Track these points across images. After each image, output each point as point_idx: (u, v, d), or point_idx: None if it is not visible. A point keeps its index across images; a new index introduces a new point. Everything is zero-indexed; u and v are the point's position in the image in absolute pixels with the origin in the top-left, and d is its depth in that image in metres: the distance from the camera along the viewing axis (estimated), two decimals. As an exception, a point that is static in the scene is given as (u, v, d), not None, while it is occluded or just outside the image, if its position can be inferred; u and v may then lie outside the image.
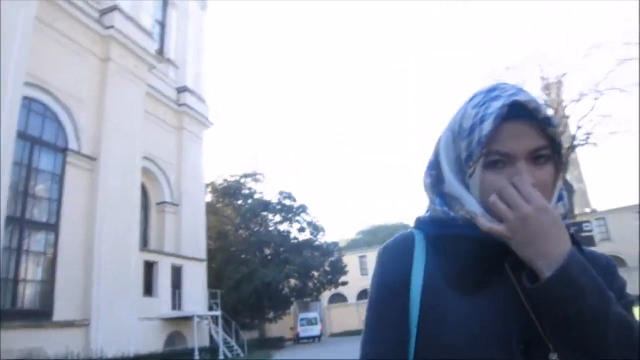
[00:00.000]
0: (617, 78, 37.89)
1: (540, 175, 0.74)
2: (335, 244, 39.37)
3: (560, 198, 0.79)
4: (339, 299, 48.44)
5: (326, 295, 43.72)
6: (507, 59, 50.70)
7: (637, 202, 41.96)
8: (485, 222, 0.71)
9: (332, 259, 36.41)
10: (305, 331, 36.74)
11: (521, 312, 0.72)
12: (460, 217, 0.77)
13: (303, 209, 35.90)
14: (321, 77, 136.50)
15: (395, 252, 0.84)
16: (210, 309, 25.55)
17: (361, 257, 49.96)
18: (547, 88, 42.09)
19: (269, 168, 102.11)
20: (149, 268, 21.92)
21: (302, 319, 37.96)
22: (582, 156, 47.35)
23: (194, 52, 31.88)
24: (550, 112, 0.75)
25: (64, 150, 18.42)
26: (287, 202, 35.77)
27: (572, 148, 41.63)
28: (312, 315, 38.83)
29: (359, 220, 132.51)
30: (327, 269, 35.43)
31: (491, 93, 0.77)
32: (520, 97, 0.74)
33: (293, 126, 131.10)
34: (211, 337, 24.30)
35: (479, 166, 0.76)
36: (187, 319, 22.82)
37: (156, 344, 20.63)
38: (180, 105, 28.61)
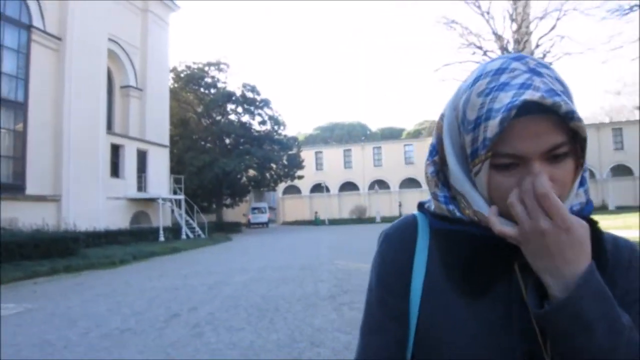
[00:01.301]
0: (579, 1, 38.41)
1: (558, 173, 0.64)
2: (295, 139, 40.85)
3: (582, 183, 0.70)
4: (293, 190, 50.94)
5: (281, 186, 45.91)
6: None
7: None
8: (497, 224, 0.64)
9: (291, 152, 37.99)
10: (255, 218, 42.93)
11: (525, 319, 0.65)
12: (467, 218, 0.70)
13: (266, 102, 36.52)
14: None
15: (396, 243, 0.78)
16: (174, 192, 26.95)
17: (317, 153, 51.88)
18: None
19: (234, 58, 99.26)
20: (115, 150, 22.74)
21: (253, 208, 44.02)
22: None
23: None
24: (569, 104, 0.61)
25: (28, 27, 18.10)
26: (250, 95, 36.21)
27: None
28: (261, 205, 44.77)
29: (317, 116, 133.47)
30: (285, 162, 37.08)
31: (499, 76, 0.65)
32: (532, 94, 0.61)
33: (260, 18, 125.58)
34: (174, 219, 25.99)
35: (485, 167, 0.66)
36: (152, 200, 24.25)
37: (123, 222, 22.18)
38: (145, -16, 27.47)
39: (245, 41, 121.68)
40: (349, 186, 50.88)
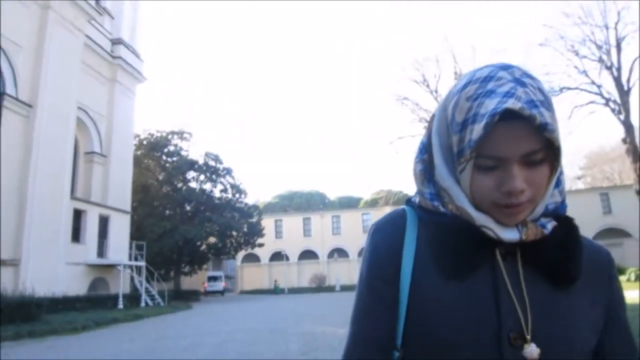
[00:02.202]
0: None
1: (535, 176, 0.71)
2: (256, 207, 41.46)
3: (557, 184, 0.77)
4: (252, 258, 50.71)
5: (240, 254, 45.76)
6: (428, 51, 54.55)
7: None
8: (502, 233, 0.72)
9: (252, 220, 38.42)
10: (211, 286, 43.95)
11: (509, 301, 0.72)
12: (450, 213, 0.77)
13: (228, 171, 37.34)
14: (253, 45, 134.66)
15: (386, 233, 0.81)
16: (135, 259, 26.68)
17: (277, 221, 52.38)
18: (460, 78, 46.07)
19: (196, 127, 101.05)
20: (78, 216, 22.68)
21: (209, 277, 45.10)
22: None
23: (131, 5, 31.57)
24: (547, 113, 0.69)
25: (1, 94, 18.56)
26: (213, 163, 36.99)
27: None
28: (217, 274, 45.91)
29: (276, 184, 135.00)
30: (246, 230, 37.38)
31: (486, 84, 0.71)
32: (514, 104, 0.67)
33: (222, 90, 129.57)
34: (133, 286, 25.56)
35: (469, 167, 0.72)
36: (111, 266, 23.95)
37: (81, 288, 21.73)
38: (114, 57, 28.60)
39: (206, 110, 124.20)
40: (308, 254, 51.19)
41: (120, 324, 15.69)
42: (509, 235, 0.72)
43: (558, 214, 0.77)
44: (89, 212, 23.62)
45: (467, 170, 0.73)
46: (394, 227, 0.82)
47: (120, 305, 21.44)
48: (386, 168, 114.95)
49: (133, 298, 23.82)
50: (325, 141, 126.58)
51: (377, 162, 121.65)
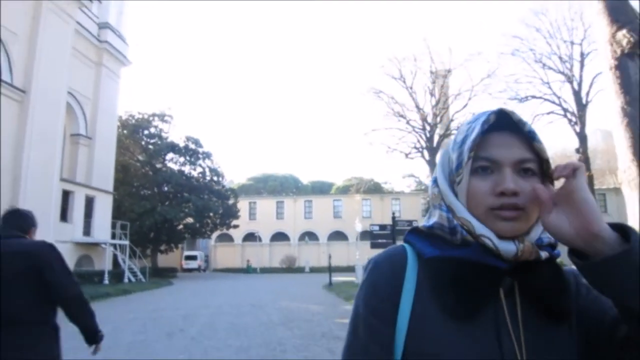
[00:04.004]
0: (488, 84, 45.22)
1: (526, 186, 0.75)
2: (233, 190, 43.12)
3: None
4: (226, 238, 52.38)
5: (215, 234, 47.43)
6: (405, 51, 56.66)
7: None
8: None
9: (228, 202, 40.07)
10: (187, 264, 46.78)
11: (512, 343, 0.73)
12: (459, 235, 0.78)
13: (207, 155, 38.79)
14: (234, 30, 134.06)
15: (386, 270, 0.81)
16: (119, 238, 28.15)
17: (251, 203, 54.10)
18: (435, 78, 48.50)
19: (177, 109, 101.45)
20: (66, 196, 24.01)
21: (187, 256, 47.68)
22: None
23: (118, -11, 32.38)
24: (531, 126, 0.79)
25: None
26: (193, 147, 38.35)
27: (447, 135, 49.07)
28: (194, 253, 48.46)
29: (251, 167, 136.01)
30: (222, 211, 39.01)
31: (483, 113, 0.80)
32: (506, 109, 0.78)
33: (203, 74, 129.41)
34: (116, 263, 27.08)
35: (466, 172, 0.78)
36: (96, 244, 25.43)
37: (69, 264, 23.13)
38: (101, 41, 29.59)
39: (186, 93, 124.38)
40: (280, 236, 53.19)
41: (112, 298, 17.36)
42: (506, 247, 0.74)
43: (553, 253, 0.79)
44: (76, 193, 24.96)
45: (464, 179, 0.79)
46: (394, 266, 0.81)
47: (106, 281, 23.01)
48: (359, 156, 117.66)
49: (116, 274, 25.37)
50: (301, 126, 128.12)
51: (351, 149, 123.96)
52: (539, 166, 0.78)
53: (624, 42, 14.16)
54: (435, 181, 0.86)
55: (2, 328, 2.29)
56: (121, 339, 8.20)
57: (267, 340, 7.90)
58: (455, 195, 0.81)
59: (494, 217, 0.76)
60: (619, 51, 14.45)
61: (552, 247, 0.80)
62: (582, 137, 35.52)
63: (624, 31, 14.13)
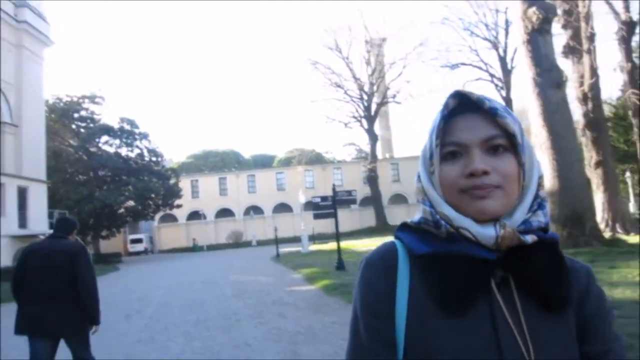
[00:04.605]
0: (421, 52, 46.69)
1: (498, 164, 0.76)
2: (173, 170, 42.57)
3: (541, 207, 0.79)
4: (169, 218, 51.78)
5: (158, 214, 46.81)
6: (341, 21, 56.98)
7: (416, 154, 53.33)
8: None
9: (169, 182, 39.62)
10: (133, 247, 46.78)
11: (509, 334, 0.73)
12: (444, 228, 0.77)
13: (144, 135, 37.93)
14: (168, 4, 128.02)
15: (379, 269, 0.81)
16: (57, 227, 27.32)
17: (193, 181, 53.59)
18: (370, 47, 49.41)
19: (109, 90, 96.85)
20: (-3, 189, 23.05)
21: (132, 240, 47.68)
22: (393, 110, 57.18)
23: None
24: (498, 104, 0.79)
25: None
26: (128, 128, 37.36)
27: (384, 104, 50.50)
28: (139, 236, 48.38)
29: (190, 144, 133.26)
30: (164, 192, 38.57)
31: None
32: (464, 91, 0.78)
33: (134, 52, 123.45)
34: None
35: (436, 160, 0.79)
36: (34, 236, 24.66)
37: (6, 259, 22.46)
38: (19, 21, 27.94)
39: (117, 71, 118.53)
40: (225, 212, 53.24)
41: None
42: (486, 233, 0.74)
43: (544, 237, 0.78)
44: (7, 185, 23.99)
45: (436, 168, 0.80)
46: (386, 263, 0.82)
47: (49, 271, 22.53)
48: (299, 127, 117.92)
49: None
50: (240, 100, 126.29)
51: (291, 121, 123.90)
52: (509, 141, 0.78)
53: (534, 18, 15.51)
54: (418, 176, 0.87)
55: (47, 302, 3.58)
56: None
57: (221, 312, 8.49)
58: (433, 186, 0.82)
59: (468, 198, 0.76)
60: (530, 27, 15.81)
61: (544, 231, 0.79)
62: (508, 101, 37.83)
63: (534, 8, 15.47)
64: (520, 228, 0.75)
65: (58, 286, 3.60)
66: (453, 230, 0.76)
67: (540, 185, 0.80)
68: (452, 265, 0.75)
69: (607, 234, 13.31)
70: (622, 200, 19.54)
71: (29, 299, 3.64)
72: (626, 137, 25.72)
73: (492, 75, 43.08)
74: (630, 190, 30.54)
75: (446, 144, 0.78)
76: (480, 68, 43.48)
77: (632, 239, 12.70)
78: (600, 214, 14.51)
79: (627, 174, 30.30)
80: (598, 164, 15.58)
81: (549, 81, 12.09)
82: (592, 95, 16.27)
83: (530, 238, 0.75)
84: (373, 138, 48.93)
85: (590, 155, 15.84)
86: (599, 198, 15.05)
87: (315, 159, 58.76)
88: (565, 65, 17.52)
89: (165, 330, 7.38)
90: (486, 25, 41.95)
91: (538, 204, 0.79)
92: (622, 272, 7.91)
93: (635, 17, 21.56)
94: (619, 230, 14.34)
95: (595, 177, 15.59)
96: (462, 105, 0.79)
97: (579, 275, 0.82)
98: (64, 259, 3.65)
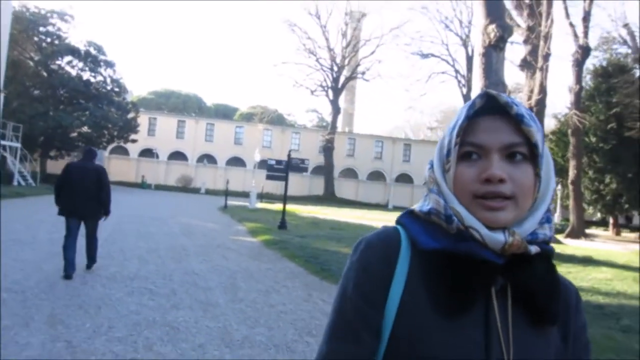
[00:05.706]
0: (397, 35, 47.60)
1: (516, 173, 0.73)
2: (134, 104, 42.13)
3: (548, 220, 0.78)
4: (121, 151, 51.22)
5: (111, 145, 46.31)
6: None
7: (374, 132, 55.08)
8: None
9: (128, 115, 39.33)
10: None
11: (501, 343, 0.72)
12: (455, 225, 0.75)
13: (110, 64, 37.30)
14: None
15: (379, 253, 0.79)
16: (10, 140, 27.09)
17: (151, 119, 53.02)
18: (349, 20, 49.92)
19: (80, 11, 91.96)
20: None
21: None
22: (360, 86, 58.25)
23: None
24: (525, 110, 0.76)
25: None
26: (95, 53, 36.60)
27: (352, 78, 51.51)
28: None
29: (153, 80, 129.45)
30: (121, 124, 38.32)
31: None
32: (493, 93, 0.75)
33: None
34: (4, 165, 26.29)
35: (453, 159, 0.76)
36: (-16, 142, 24.48)
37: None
38: None
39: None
40: (178, 155, 53.25)
41: (7, 199, 17.61)
42: (495, 237, 0.73)
43: (544, 249, 0.77)
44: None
45: (452, 165, 0.77)
46: (387, 249, 0.79)
47: (-5, 183, 22.62)
48: (266, 85, 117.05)
49: (6, 177, 24.77)
50: (209, 43, 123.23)
51: (259, 77, 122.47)
52: (530, 151, 0.76)
53: (492, 35, 17.27)
54: (432, 165, 0.84)
55: (83, 198, 6.37)
56: (38, 236, 9.39)
57: (171, 245, 9.60)
58: (446, 183, 0.80)
59: (479, 206, 0.75)
60: (487, 41, 17.63)
61: (546, 244, 0.78)
62: (468, 100, 39.86)
63: (493, 26, 17.18)
64: (527, 238, 0.76)
65: (91, 190, 6.37)
66: (464, 228, 0.75)
67: (552, 198, 0.80)
68: (460, 265, 0.74)
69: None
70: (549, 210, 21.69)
71: (71, 196, 6.28)
72: (564, 152, 28.10)
73: (457, 71, 45.08)
74: (559, 202, 33.36)
75: (465, 143, 0.77)
76: (447, 62, 45.36)
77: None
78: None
79: (558, 186, 33.10)
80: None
81: (494, 94, 13.55)
82: (536, 110, 17.94)
83: (534, 249, 0.76)
84: (336, 110, 50.04)
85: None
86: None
87: (277, 120, 59.30)
88: (520, 77, 19.13)
89: (121, 252, 8.42)
90: (460, 22, 43.60)
91: (547, 217, 0.78)
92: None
93: (592, 44, 23.40)
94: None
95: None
96: (490, 106, 0.77)
97: (569, 292, 0.84)
98: (94, 174, 6.46)
